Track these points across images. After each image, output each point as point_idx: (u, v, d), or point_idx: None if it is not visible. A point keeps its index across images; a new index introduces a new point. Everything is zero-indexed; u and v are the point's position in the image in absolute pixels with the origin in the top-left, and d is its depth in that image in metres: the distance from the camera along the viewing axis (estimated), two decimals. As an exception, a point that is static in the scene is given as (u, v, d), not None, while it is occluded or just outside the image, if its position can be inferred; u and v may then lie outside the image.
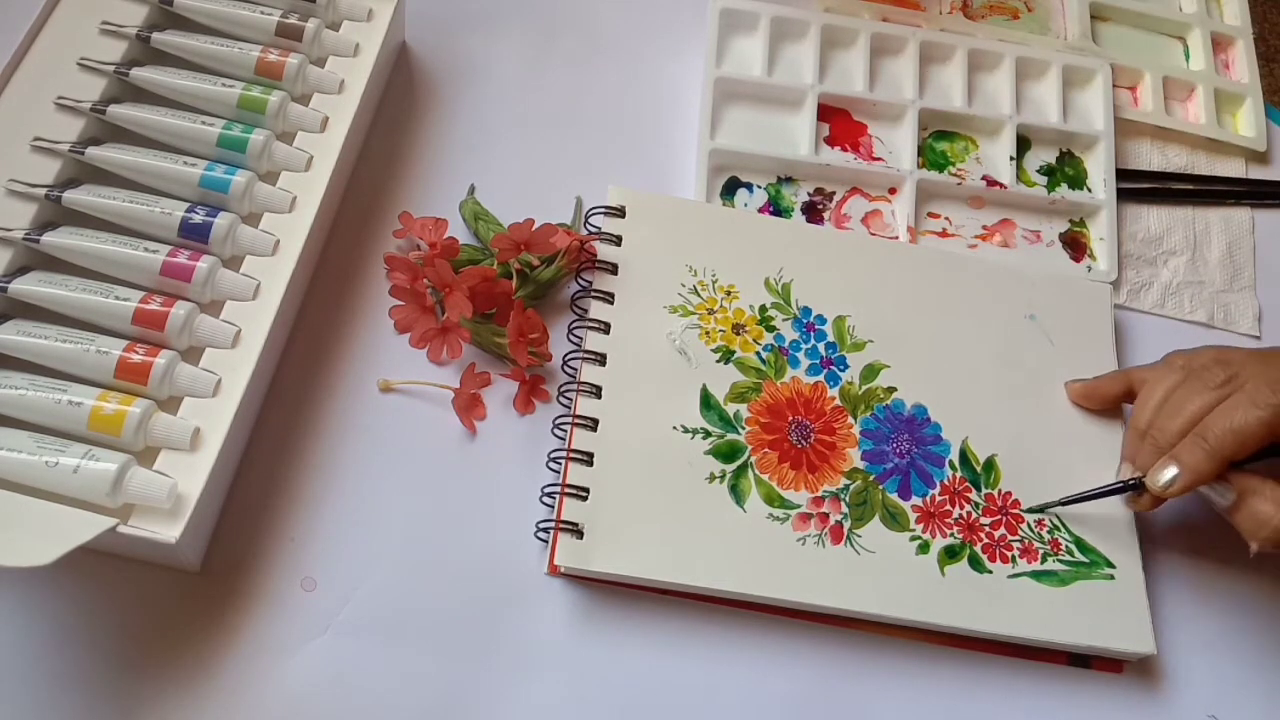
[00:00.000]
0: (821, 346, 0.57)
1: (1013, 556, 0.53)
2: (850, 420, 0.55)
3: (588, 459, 0.52)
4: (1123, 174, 0.68)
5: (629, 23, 0.69)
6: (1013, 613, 0.52)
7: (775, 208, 0.63)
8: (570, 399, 0.54)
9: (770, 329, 0.57)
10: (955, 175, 0.66)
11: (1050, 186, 0.67)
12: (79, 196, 0.50)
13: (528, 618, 0.50)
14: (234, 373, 0.48)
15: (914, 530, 0.53)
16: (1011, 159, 0.67)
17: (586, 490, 0.51)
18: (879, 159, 0.66)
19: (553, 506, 0.51)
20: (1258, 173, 0.71)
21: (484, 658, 0.49)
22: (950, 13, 0.73)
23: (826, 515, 0.52)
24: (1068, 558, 0.54)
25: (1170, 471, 0.50)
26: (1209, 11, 0.76)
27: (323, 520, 0.51)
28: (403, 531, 0.51)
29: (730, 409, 0.54)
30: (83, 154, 0.51)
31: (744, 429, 0.54)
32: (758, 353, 0.56)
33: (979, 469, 0.55)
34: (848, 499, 0.53)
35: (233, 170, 0.52)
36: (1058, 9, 0.74)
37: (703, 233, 0.59)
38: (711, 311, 0.57)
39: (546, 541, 0.51)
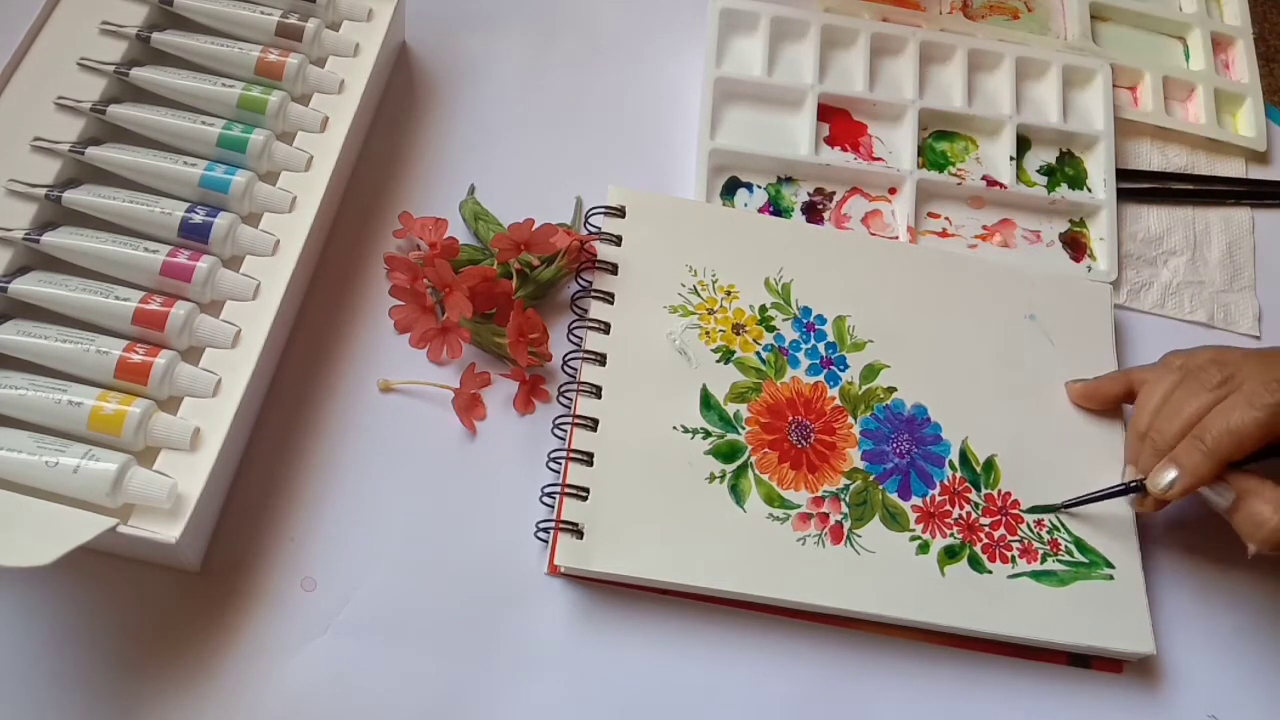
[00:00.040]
0: (821, 346, 0.57)
1: (1012, 557, 0.53)
2: (850, 420, 0.55)
3: (588, 459, 0.52)
4: (1123, 174, 0.68)
5: (629, 23, 0.69)
6: (1012, 613, 0.52)
7: (775, 208, 0.63)
8: (570, 399, 0.54)
9: (770, 329, 0.57)
10: (955, 175, 0.66)
11: (1050, 186, 0.67)
12: (79, 196, 0.50)
13: (528, 618, 0.50)
14: (234, 373, 0.48)
15: (914, 530, 0.53)
16: (1011, 159, 0.67)
17: (586, 490, 0.51)
18: (879, 159, 0.66)
19: (553, 506, 0.51)
20: (1258, 173, 0.71)
21: (484, 658, 0.49)
22: (950, 13, 0.73)
23: (826, 515, 0.52)
24: (1067, 558, 0.54)
25: (1170, 474, 0.50)
26: (1209, 11, 0.76)
27: (323, 520, 0.51)
28: (403, 531, 0.51)
29: (730, 409, 0.54)
30: (83, 154, 0.51)
31: (744, 429, 0.54)
32: (758, 353, 0.56)
33: (979, 469, 0.55)
34: (848, 499, 0.53)
35: (233, 170, 0.52)
36: (1058, 9, 0.74)
37: (703, 233, 0.59)
38: (711, 311, 0.57)
39: (546, 541, 0.51)
